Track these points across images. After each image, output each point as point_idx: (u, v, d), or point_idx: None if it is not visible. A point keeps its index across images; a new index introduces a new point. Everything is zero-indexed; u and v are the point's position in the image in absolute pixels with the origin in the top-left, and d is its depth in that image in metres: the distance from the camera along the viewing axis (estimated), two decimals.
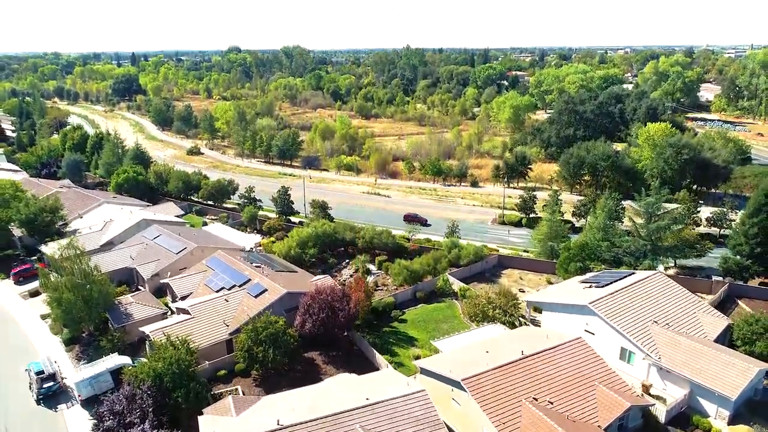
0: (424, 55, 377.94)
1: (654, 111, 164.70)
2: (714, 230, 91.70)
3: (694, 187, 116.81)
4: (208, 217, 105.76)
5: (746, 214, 70.05)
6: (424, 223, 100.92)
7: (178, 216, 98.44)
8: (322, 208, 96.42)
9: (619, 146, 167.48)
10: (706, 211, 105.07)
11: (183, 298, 65.69)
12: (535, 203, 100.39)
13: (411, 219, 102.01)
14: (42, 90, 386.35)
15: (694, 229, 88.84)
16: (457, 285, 70.95)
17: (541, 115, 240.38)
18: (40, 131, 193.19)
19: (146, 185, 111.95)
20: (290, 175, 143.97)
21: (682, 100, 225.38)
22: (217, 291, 64.78)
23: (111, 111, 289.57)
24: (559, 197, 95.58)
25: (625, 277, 62.17)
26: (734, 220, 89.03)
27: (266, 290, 61.98)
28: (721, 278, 70.90)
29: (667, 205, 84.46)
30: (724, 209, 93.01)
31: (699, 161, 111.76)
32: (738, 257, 69.70)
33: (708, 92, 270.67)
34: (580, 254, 71.00)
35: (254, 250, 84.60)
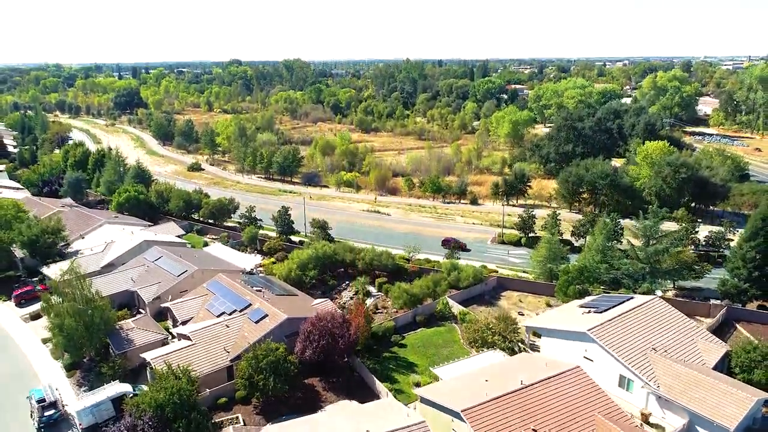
0: (423, 69, 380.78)
1: (652, 127, 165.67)
2: (712, 250, 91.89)
3: (693, 204, 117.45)
4: (208, 236, 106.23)
5: (743, 238, 70.48)
6: (463, 248, 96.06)
7: (179, 236, 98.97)
8: (322, 228, 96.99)
9: (618, 161, 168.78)
10: (704, 230, 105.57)
11: (184, 322, 66.02)
12: (534, 222, 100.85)
13: (450, 244, 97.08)
14: (44, 103, 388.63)
15: (692, 249, 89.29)
16: (456, 308, 71.24)
17: (540, 129, 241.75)
18: (42, 147, 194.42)
19: (147, 204, 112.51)
20: (290, 192, 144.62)
21: (680, 114, 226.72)
22: (218, 316, 65.15)
23: (112, 125, 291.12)
24: (558, 217, 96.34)
25: (624, 302, 62.54)
26: (732, 240, 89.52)
27: (267, 315, 62.33)
28: (719, 301, 71.21)
29: (665, 226, 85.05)
30: (722, 229, 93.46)
31: (697, 180, 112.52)
32: (736, 280, 69.98)
33: (706, 106, 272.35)
34: (578, 277, 71.43)
35: (255, 271, 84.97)
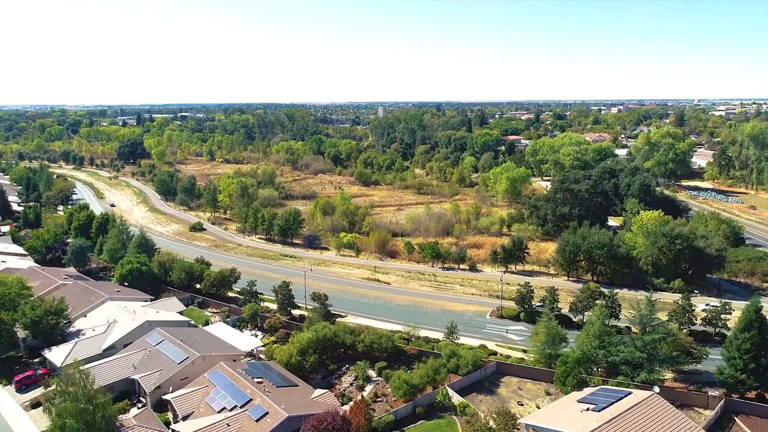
0: (422, 119, 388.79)
1: (647, 187, 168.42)
2: (710, 328, 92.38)
3: (690, 272, 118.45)
4: (210, 309, 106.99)
5: (738, 329, 71.37)
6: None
7: (180, 312, 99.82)
8: (322, 305, 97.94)
9: (614, 220, 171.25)
10: (701, 301, 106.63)
11: (185, 417, 66.23)
12: (533, 297, 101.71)
13: None
14: (49, 152, 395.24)
15: (689, 328, 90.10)
16: (456, 398, 71.54)
17: (537, 183, 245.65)
18: (47, 205, 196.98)
19: (149, 275, 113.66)
20: (291, 256, 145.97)
21: (675, 169, 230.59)
22: (219, 411, 65.48)
23: (116, 177, 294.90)
24: (555, 293, 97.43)
25: (622, 398, 63.08)
26: (729, 317, 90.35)
27: (267, 413, 62.71)
28: (717, 393, 71.58)
29: (663, 298, 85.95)
30: (719, 306, 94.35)
31: (692, 250, 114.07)
32: (733, 370, 70.46)
33: (700, 158, 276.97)
34: (577, 368, 72.00)
35: (255, 353, 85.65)
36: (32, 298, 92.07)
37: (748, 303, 71.91)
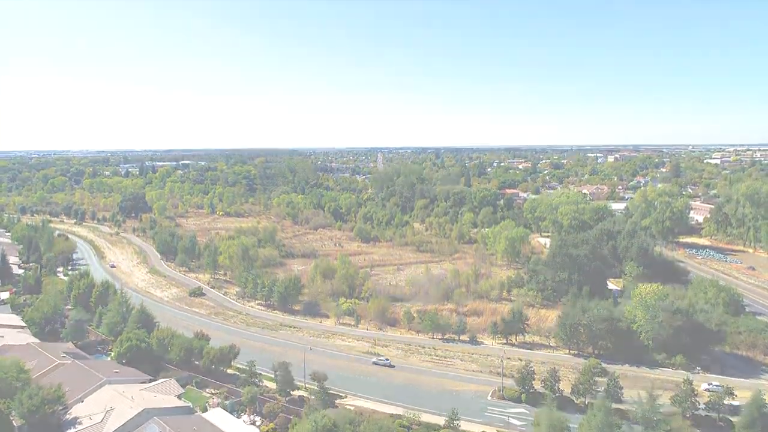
0: (422, 173, 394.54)
1: (645, 251, 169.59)
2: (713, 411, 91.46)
3: (691, 345, 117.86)
4: (208, 390, 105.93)
5: (742, 425, 70.97)
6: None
7: (178, 395, 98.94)
8: (322, 388, 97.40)
9: (614, 283, 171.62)
10: (703, 380, 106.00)
11: None
12: (534, 378, 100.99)
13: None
14: (51, 204, 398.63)
15: (692, 412, 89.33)
16: None
17: (536, 238, 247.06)
18: (47, 266, 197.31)
19: (149, 353, 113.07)
20: (291, 326, 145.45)
21: (672, 227, 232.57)
22: None
23: (117, 234, 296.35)
24: (557, 376, 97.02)
25: None
26: (733, 399, 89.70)
27: None
28: None
29: (663, 375, 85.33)
30: (720, 387, 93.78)
31: (692, 325, 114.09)
32: None
33: (698, 213, 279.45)
34: None
35: None
36: (31, 386, 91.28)
37: (749, 400, 71.69)
